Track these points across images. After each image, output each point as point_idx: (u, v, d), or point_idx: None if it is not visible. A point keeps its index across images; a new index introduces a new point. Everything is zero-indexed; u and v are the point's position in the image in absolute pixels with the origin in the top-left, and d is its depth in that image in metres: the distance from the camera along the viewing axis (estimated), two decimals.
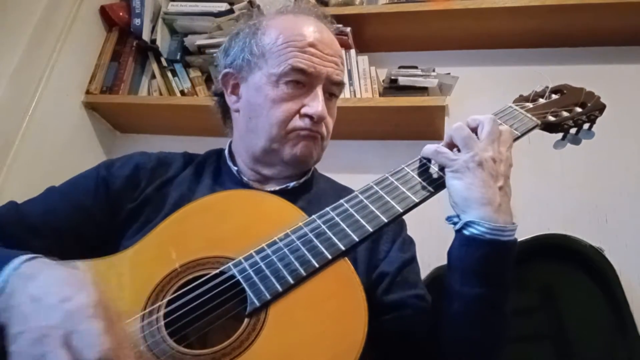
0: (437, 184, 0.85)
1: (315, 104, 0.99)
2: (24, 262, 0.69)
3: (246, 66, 1.05)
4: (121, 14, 2.16)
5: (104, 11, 2.17)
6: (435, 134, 1.85)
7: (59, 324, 0.60)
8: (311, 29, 1.03)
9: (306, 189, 1.08)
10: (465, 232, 0.79)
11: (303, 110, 1.00)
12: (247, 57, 1.04)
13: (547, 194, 1.70)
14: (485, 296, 0.79)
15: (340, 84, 1.06)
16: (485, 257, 0.78)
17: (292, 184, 1.06)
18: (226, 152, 1.13)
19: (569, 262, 1.46)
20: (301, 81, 1.00)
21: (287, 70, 0.99)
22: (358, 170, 1.92)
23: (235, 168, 1.08)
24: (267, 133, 1.01)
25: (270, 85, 1.01)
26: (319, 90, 1.01)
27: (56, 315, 0.60)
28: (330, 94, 1.06)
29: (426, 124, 1.84)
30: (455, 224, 0.82)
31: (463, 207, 0.81)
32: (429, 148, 0.87)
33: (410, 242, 1.07)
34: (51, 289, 0.64)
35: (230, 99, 1.09)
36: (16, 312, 0.63)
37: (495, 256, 0.79)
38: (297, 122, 1.00)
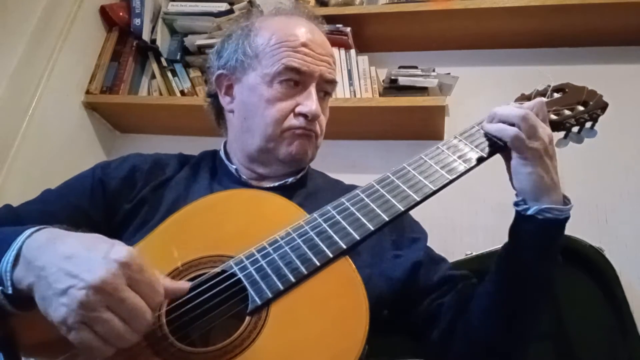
0: (438, 183, 0.84)
1: (310, 102, 1.01)
2: (35, 231, 0.70)
3: (240, 67, 1.06)
4: (121, 14, 2.17)
5: (104, 11, 2.18)
6: (435, 134, 1.86)
7: (117, 273, 0.62)
8: (303, 30, 1.05)
9: (303, 184, 1.09)
10: (539, 216, 0.85)
11: (297, 109, 1.01)
12: (240, 58, 1.06)
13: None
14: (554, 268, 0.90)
15: (333, 82, 1.08)
16: (560, 235, 0.88)
17: (290, 180, 1.07)
18: (221, 152, 1.13)
19: (569, 262, 1.45)
20: (295, 80, 1.02)
21: (280, 69, 1.01)
22: (358, 170, 1.92)
23: (234, 167, 1.09)
24: (262, 132, 1.02)
25: (264, 85, 1.02)
26: (313, 89, 1.02)
27: (108, 266, 0.62)
28: (325, 93, 1.08)
29: (426, 124, 1.85)
30: (526, 209, 0.86)
31: (535, 194, 0.86)
32: (504, 129, 0.86)
33: (417, 223, 1.11)
34: (86, 246, 0.66)
35: (224, 100, 1.10)
36: (52, 271, 0.63)
37: (562, 231, 0.88)
38: (291, 121, 1.01)
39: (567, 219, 0.87)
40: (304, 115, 1.01)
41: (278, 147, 1.02)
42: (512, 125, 0.86)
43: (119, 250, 0.64)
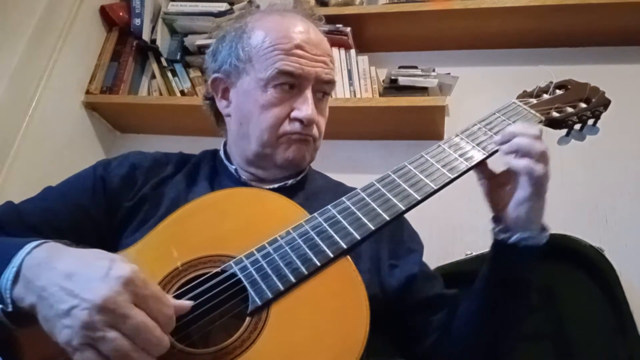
0: (439, 181, 0.84)
1: (305, 107, 0.99)
2: (35, 246, 0.69)
3: (234, 72, 1.04)
4: (121, 14, 2.17)
5: (104, 11, 2.18)
6: (435, 134, 1.86)
7: (119, 290, 0.60)
8: (297, 29, 1.02)
9: (303, 185, 1.09)
10: (522, 244, 0.84)
11: (293, 114, 1.00)
12: (234, 63, 1.04)
13: (547, 194, 1.69)
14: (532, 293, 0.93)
15: (331, 83, 1.05)
16: (536, 260, 0.88)
17: (290, 182, 1.06)
18: (221, 152, 1.12)
19: (569, 262, 1.45)
20: (290, 84, 1.00)
21: (274, 74, 0.98)
22: (358, 170, 1.92)
23: (233, 167, 1.08)
24: (258, 138, 1.01)
25: (259, 90, 1.00)
26: (309, 93, 1.00)
27: (110, 284, 0.61)
28: (323, 94, 1.05)
29: (426, 124, 1.84)
30: (507, 238, 0.86)
31: (525, 223, 0.84)
32: (524, 164, 0.82)
33: (416, 234, 1.09)
34: (86, 263, 0.65)
35: (220, 104, 1.09)
36: (53, 291, 0.62)
37: (538, 256, 0.87)
38: (287, 126, 1.00)
39: (544, 245, 0.86)
40: (300, 121, 0.99)
41: (275, 153, 1.01)
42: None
43: (120, 267, 0.63)
